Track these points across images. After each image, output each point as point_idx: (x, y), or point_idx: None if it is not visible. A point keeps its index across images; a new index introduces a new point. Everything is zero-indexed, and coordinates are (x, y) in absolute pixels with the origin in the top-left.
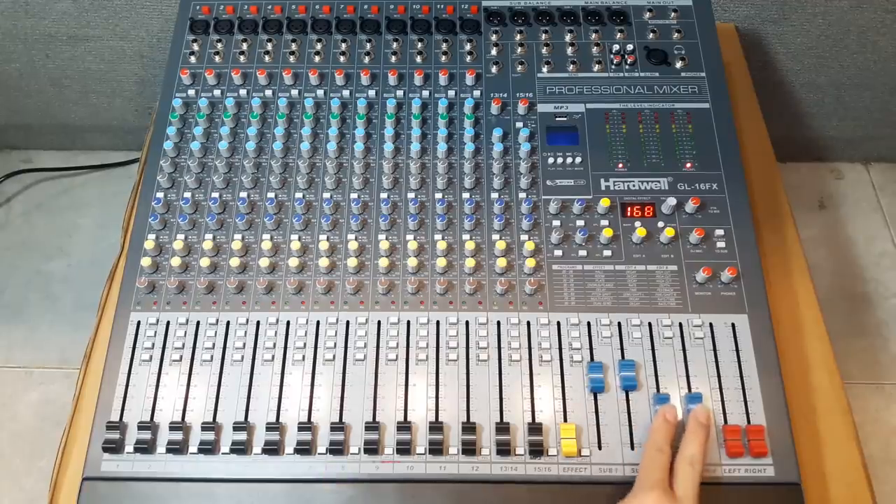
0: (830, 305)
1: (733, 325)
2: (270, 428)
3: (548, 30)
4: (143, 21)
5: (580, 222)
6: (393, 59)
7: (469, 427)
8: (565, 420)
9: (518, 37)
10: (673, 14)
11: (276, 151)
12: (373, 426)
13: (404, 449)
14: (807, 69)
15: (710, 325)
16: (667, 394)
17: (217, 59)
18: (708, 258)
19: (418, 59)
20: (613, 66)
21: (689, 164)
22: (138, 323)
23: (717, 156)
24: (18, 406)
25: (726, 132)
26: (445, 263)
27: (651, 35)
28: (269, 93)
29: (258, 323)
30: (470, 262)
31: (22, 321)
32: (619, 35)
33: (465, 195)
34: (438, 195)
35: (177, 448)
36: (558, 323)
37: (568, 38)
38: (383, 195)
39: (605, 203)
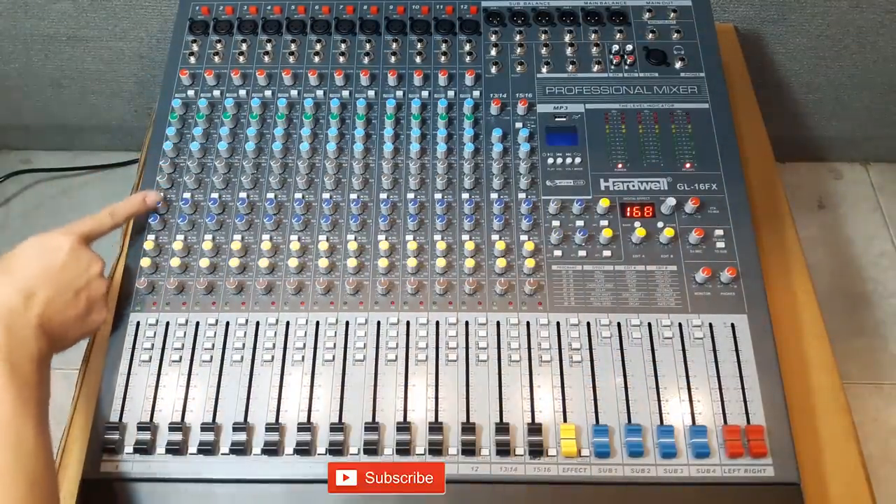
0: (830, 305)
1: (733, 325)
2: (270, 428)
3: (547, 30)
4: (142, 21)
5: (580, 222)
6: (392, 59)
7: (469, 427)
8: (565, 420)
9: (517, 37)
10: (672, 14)
11: (275, 152)
12: (372, 427)
13: (404, 449)
14: (806, 69)
15: (710, 325)
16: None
17: (216, 59)
18: (707, 258)
19: (418, 59)
20: (613, 67)
21: (688, 165)
22: (138, 323)
23: (716, 156)
24: None
25: (725, 132)
26: (445, 264)
27: (650, 35)
28: (268, 93)
29: (258, 323)
30: (469, 263)
31: None
32: (618, 35)
33: (465, 195)
34: (438, 195)
35: (176, 449)
36: (558, 323)
37: (567, 38)
38: (383, 196)
39: (604, 203)
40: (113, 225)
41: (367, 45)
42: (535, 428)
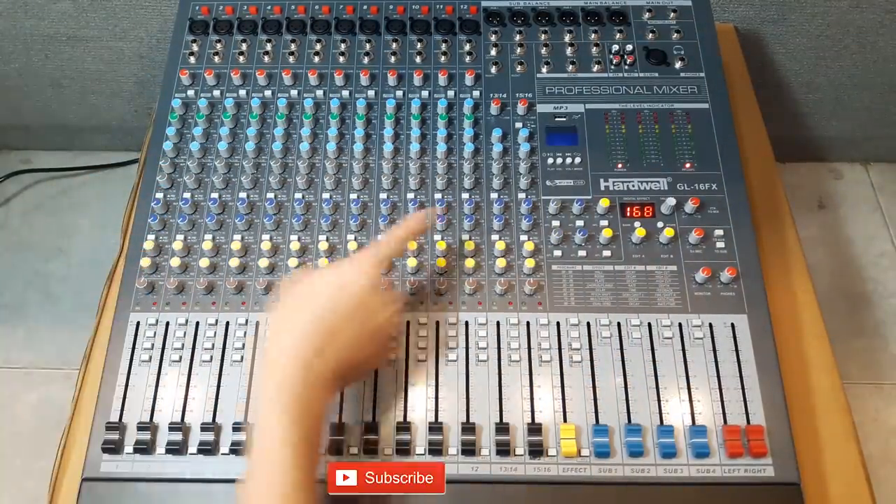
0: (830, 305)
1: (733, 325)
2: None
3: (547, 30)
4: (142, 21)
5: (580, 222)
6: (392, 59)
7: (469, 427)
8: (565, 420)
9: (517, 37)
10: (672, 14)
11: (275, 152)
12: (372, 427)
13: (404, 449)
14: (806, 69)
15: (710, 325)
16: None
17: (216, 59)
18: (707, 258)
19: (418, 59)
20: (613, 67)
21: (688, 165)
22: (138, 323)
23: (716, 156)
24: (18, 406)
25: (725, 132)
26: (445, 264)
27: (650, 35)
28: (268, 93)
29: (257, 323)
30: (469, 263)
31: (22, 321)
32: (618, 35)
33: (465, 195)
34: (438, 196)
35: (176, 448)
36: (558, 323)
37: (567, 38)
38: (383, 196)
39: (604, 203)
40: (402, 250)
41: (367, 45)
42: (535, 428)
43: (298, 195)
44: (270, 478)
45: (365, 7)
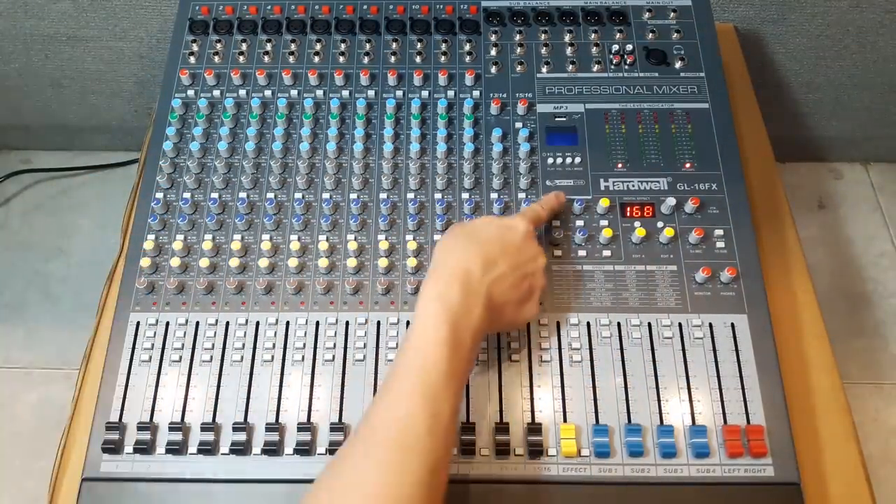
0: (830, 305)
1: (733, 325)
2: (270, 428)
3: (547, 30)
4: (142, 21)
5: (579, 222)
6: (392, 59)
7: (468, 427)
8: (565, 420)
9: (517, 37)
10: (672, 14)
11: (275, 152)
12: None
13: None
14: (806, 69)
15: (710, 325)
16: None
17: (216, 59)
18: (707, 258)
19: (418, 59)
20: (613, 67)
21: (688, 165)
22: (138, 323)
23: (716, 156)
24: (18, 406)
25: (725, 132)
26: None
27: (650, 35)
28: (268, 93)
29: (258, 323)
30: None
31: (22, 321)
32: (618, 35)
33: (465, 195)
34: (438, 195)
35: (176, 449)
36: (558, 323)
37: (567, 38)
38: (383, 195)
39: (604, 203)
40: (548, 220)
41: (367, 45)
42: (534, 428)
43: (298, 195)
44: (422, 370)
45: (365, 7)
